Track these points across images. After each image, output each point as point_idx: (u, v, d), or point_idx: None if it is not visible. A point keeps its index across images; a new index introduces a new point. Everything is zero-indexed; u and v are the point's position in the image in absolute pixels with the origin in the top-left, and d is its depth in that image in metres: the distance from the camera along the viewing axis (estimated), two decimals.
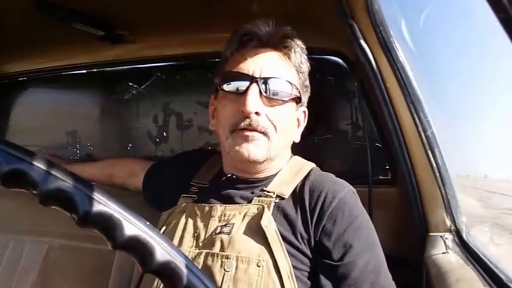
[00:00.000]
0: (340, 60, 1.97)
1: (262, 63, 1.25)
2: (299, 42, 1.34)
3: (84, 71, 2.55)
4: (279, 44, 1.30)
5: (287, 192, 1.26)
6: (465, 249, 1.39)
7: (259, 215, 1.18)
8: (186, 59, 2.31)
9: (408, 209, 1.56)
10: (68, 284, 1.79)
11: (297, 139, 1.39)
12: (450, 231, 1.48)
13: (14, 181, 0.53)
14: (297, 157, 1.42)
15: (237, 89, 1.24)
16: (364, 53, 1.51)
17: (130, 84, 2.46)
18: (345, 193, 1.22)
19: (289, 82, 1.26)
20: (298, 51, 1.33)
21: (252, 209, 1.22)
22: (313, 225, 1.18)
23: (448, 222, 1.49)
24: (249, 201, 1.26)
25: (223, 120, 1.28)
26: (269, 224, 1.16)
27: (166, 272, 0.57)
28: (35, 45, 2.30)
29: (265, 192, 1.27)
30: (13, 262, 1.87)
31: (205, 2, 1.70)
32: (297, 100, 1.32)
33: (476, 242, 1.41)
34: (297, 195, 1.25)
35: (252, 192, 1.29)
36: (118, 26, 2.00)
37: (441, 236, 1.47)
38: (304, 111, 1.41)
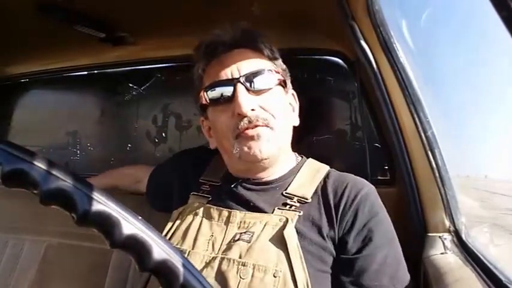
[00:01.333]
0: (340, 61, 1.97)
1: (236, 63, 1.27)
2: (262, 34, 1.36)
3: (85, 73, 2.56)
4: (243, 40, 1.33)
5: (309, 194, 1.26)
6: (464, 250, 1.38)
7: (283, 226, 1.18)
8: (186, 60, 2.29)
9: (407, 210, 1.56)
10: (66, 282, 1.80)
11: (296, 122, 1.40)
12: (449, 231, 1.48)
13: (15, 181, 0.54)
14: (312, 159, 1.43)
15: (222, 94, 1.25)
16: (365, 53, 1.51)
17: (131, 85, 2.46)
18: (366, 190, 1.25)
19: (269, 69, 1.29)
20: (264, 42, 1.35)
21: (275, 219, 1.21)
22: (338, 222, 1.19)
23: (447, 223, 1.48)
24: (272, 209, 1.25)
25: (222, 129, 1.28)
26: (291, 235, 1.15)
27: (163, 270, 0.58)
28: (36, 47, 2.31)
29: (287, 199, 1.26)
30: (12, 261, 1.89)
31: (205, 3, 1.70)
32: (283, 84, 1.34)
33: (476, 242, 1.40)
34: (320, 195, 1.26)
35: (273, 196, 1.28)
36: (119, 27, 2.00)
37: (440, 237, 1.46)
38: (293, 94, 1.42)
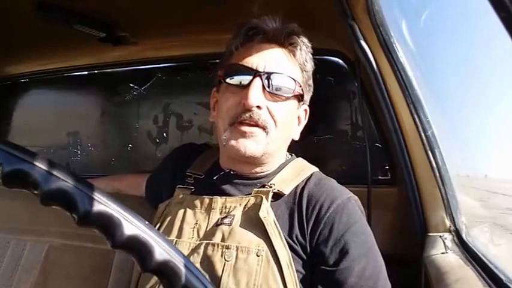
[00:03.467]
0: (340, 61, 1.98)
1: (266, 58, 1.24)
2: (305, 40, 1.32)
3: (86, 73, 2.56)
4: (285, 40, 1.28)
5: (287, 190, 1.24)
6: (464, 250, 1.39)
7: (258, 205, 1.19)
8: (187, 60, 2.31)
9: (407, 209, 1.56)
10: (68, 283, 1.80)
11: (296, 137, 1.38)
12: (450, 231, 1.48)
13: (16, 181, 0.54)
14: (300, 159, 1.41)
15: (240, 82, 1.22)
16: (365, 53, 1.51)
17: (131, 85, 2.47)
18: (343, 199, 1.21)
19: (293, 79, 1.25)
20: (304, 49, 1.31)
21: (252, 200, 1.22)
22: (309, 231, 1.17)
23: (448, 223, 1.48)
24: (249, 193, 1.26)
25: (223, 112, 1.26)
26: (267, 214, 1.17)
27: (165, 271, 0.58)
28: (36, 47, 2.32)
29: (266, 186, 1.25)
30: (14, 262, 1.88)
31: (205, 4, 1.70)
32: (299, 98, 1.31)
33: (476, 242, 1.40)
34: (296, 197, 1.23)
35: (252, 189, 1.27)
36: (119, 27, 2.01)
37: (440, 236, 1.46)
38: (305, 110, 1.39)
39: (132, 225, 0.57)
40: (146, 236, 0.58)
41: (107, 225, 0.56)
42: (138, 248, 0.57)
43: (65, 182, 0.55)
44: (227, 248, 1.13)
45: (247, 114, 1.19)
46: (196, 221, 1.25)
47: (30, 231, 1.93)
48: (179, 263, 0.59)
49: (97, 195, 0.57)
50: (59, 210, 0.56)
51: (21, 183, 0.55)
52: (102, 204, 0.56)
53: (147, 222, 0.60)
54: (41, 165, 0.55)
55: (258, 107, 1.19)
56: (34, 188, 0.55)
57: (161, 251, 0.58)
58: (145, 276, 1.24)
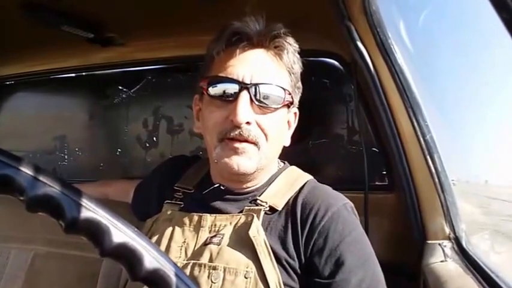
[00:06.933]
0: (336, 63, 1.96)
1: (252, 67, 1.18)
2: (291, 41, 1.26)
3: (73, 75, 2.54)
4: (270, 44, 1.23)
5: (280, 205, 1.21)
6: (464, 258, 1.38)
7: (249, 224, 1.16)
8: (177, 61, 2.30)
9: (406, 216, 1.55)
10: None
11: (287, 142, 1.34)
12: (449, 238, 1.47)
13: (0, 187, 0.52)
14: (293, 167, 1.37)
15: (224, 92, 1.17)
16: (361, 54, 1.50)
17: (120, 87, 2.46)
18: (338, 207, 1.18)
19: (282, 87, 1.20)
20: (291, 51, 1.25)
21: (242, 218, 1.18)
22: (304, 240, 1.14)
23: (447, 230, 1.47)
24: (240, 211, 1.23)
25: (210, 127, 1.21)
26: (257, 234, 1.13)
27: (155, 279, 0.56)
28: (22, 49, 2.30)
29: (258, 201, 1.22)
30: None
31: (196, 4, 1.68)
32: (289, 104, 1.26)
33: (476, 250, 1.40)
34: (290, 208, 1.21)
35: (243, 204, 1.25)
36: (107, 28, 1.99)
37: (440, 244, 1.46)
38: (295, 113, 1.35)
39: (121, 233, 0.55)
40: (135, 244, 0.56)
41: (95, 233, 0.54)
42: (127, 256, 0.55)
43: (51, 187, 0.53)
44: (214, 269, 1.10)
45: (237, 132, 1.15)
46: (185, 239, 1.21)
47: (15, 238, 1.91)
48: (169, 271, 0.57)
49: (85, 202, 0.54)
50: (44, 216, 0.54)
51: (6, 189, 0.52)
52: (90, 210, 0.54)
53: (136, 229, 0.58)
54: (27, 170, 0.52)
55: (248, 122, 1.15)
56: (19, 194, 0.52)
57: (151, 259, 0.56)
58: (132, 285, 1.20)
